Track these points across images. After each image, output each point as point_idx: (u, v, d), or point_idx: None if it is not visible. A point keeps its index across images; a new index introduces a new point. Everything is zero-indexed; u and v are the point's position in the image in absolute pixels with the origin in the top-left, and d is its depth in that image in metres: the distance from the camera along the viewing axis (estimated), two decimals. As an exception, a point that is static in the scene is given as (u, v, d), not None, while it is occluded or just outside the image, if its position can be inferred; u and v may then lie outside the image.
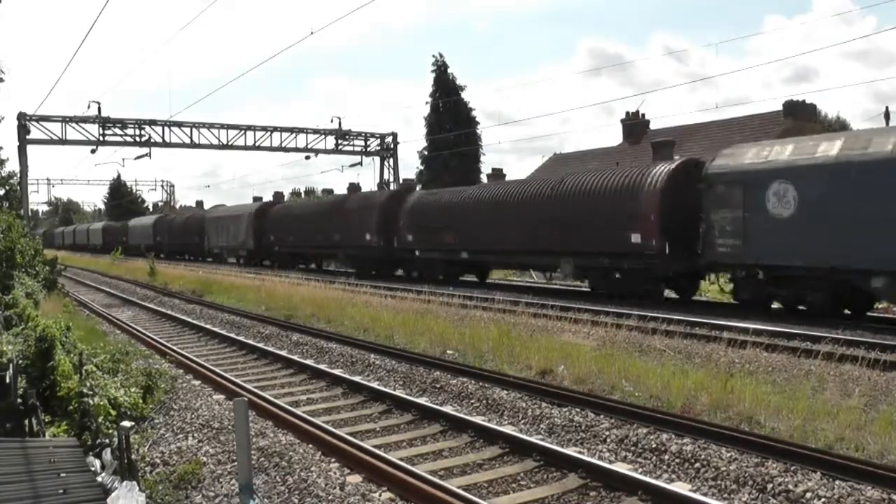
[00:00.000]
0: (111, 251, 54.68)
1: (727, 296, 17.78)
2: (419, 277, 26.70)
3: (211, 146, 43.02)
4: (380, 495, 5.71)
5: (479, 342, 11.58)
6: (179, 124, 41.81)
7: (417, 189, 34.48)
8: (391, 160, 47.74)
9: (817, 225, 13.96)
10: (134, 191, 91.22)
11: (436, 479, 5.84)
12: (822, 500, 5.36)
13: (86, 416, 6.74)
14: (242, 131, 43.44)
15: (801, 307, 15.00)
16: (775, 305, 15.77)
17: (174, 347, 12.86)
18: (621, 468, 6.22)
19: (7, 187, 23.71)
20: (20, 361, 8.10)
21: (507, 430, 7.46)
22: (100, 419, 6.62)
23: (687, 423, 7.10)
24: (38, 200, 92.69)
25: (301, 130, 44.86)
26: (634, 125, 37.85)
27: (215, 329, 15.59)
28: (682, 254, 17.03)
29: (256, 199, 48.70)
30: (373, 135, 47.32)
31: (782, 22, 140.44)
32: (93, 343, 11.12)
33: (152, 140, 41.34)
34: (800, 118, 31.10)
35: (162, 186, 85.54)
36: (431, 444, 7.32)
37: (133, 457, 5.36)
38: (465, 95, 50.06)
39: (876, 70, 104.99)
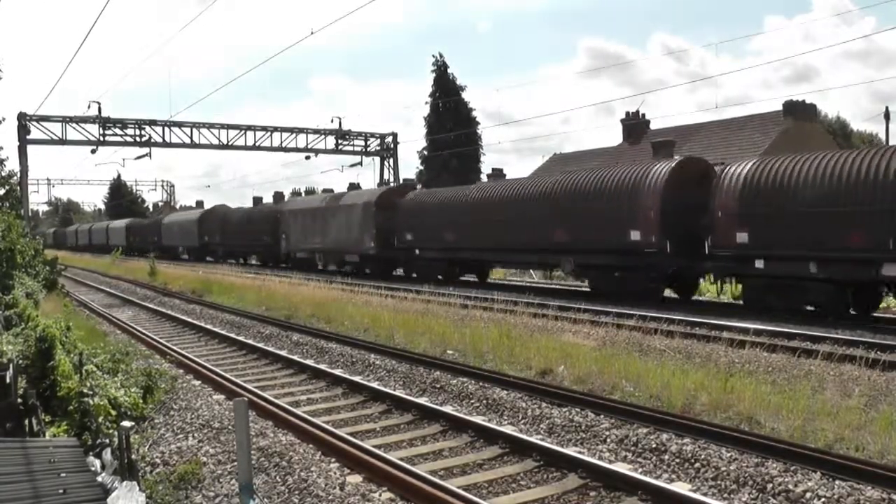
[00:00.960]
0: (140, 254, 49.25)
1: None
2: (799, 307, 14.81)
3: (211, 146, 43.10)
4: (380, 495, 5.72)
5: (480, 342, 11.58)
6: (179, 124, 41.90)
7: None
8: (391, 160, 47.79)
9: None
10: (134, 191, 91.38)
11: (436, 479, 5.84)
12: (822, 500, 5.36)
13: (86, 416, 6.74)
14: (242, 131, 43.50)
15: None
16: None
17: (174, 347, 12.86)
18: (621, 468, 6.22)
19: (7, 187, 23.72)
20: (20, 361, 8.11)
21: (507, 430, 7.47)
22: (100, 419, 6.62)
23: (687, 423, 7.10)
24: (38, 200, 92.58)
25: (301, 130, 44.94)
26: (634, 125, 37.90)
27: (215, 329, 15.59)
28: None
29: (256, 199, 48.07)
30: (373, 135, 47.40)
31: (782, 22, 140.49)
32: (93, 343, 11.12)
33: (152, 140, 41.43)
34: (799, 118, 31.18)
35: (162, 186, 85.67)
36: (431, 444, 7.33)
37: (133, 457, 5.36)
38: (465, 95, 50.23)
39: (876, 70, 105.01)
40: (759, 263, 15.06)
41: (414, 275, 27.24)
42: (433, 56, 51.80)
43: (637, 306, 15.76)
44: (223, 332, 15.18)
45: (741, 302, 16.32)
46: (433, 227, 25.34)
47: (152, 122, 41.27)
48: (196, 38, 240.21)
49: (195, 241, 47.11)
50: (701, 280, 18.82)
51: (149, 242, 55.14)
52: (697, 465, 6.24)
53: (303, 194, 77.40)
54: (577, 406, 8.02)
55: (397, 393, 9.19)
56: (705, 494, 5.66)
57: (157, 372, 9.67)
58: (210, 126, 42.88)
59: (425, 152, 50.48)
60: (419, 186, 35.67)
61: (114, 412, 7.04)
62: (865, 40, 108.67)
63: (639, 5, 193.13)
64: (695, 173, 17.55)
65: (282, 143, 44.46)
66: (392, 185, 33.29)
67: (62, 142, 39.85)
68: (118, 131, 40.75)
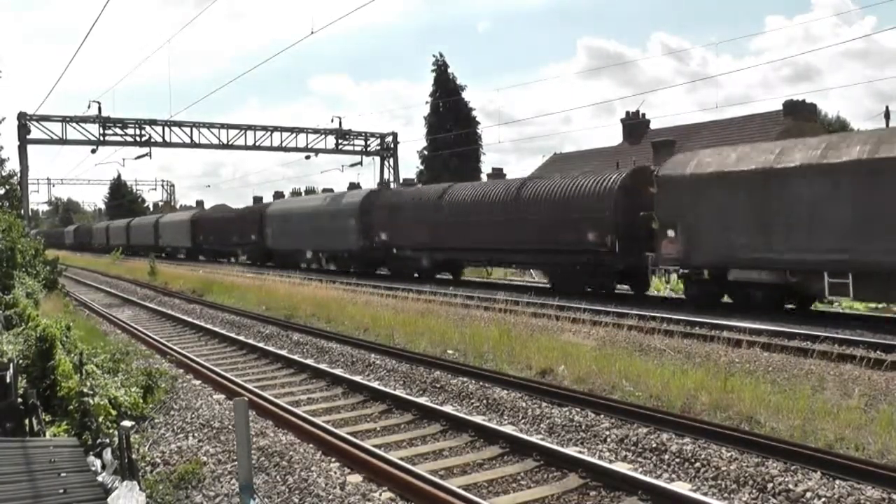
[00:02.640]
0: (214, 258, 40.14)
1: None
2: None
3: (211, 146, 43.01)
4: (380, 495, 5.72)
5: (480, 342, 11.58)
6: (179, 124, 41.80)
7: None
8: (391, 160, 47.76)
9: None
10: (134, 190, 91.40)
11: (436, 479, 5.84)
12: (822, 499, 5.36)
13: (86, 416, 6.74)
14: (242, 131, 43.44)
15: None
16: None
17: (174, 347, 12.86)
18: (621, 468, 6.22)
19: (7, 187, 23.75)
20: (21, 361, 8.10)
21: (508, 429, 7.47)
22: (100, 419, 6.63)
23: (687, 422, 7.10)
24: (38, 200, 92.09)
25: (301, 130, 44.88)
26: (635, 125, 37.89)
27: (216, 329, 15.59)
28: None
29: (257, 198, 47.48)
30: (373, 135, 47.36)
31: (783, 22, 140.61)
32: (93, 343, 11.13)
33: (152, 140, 41.34)
34: (800, 117, 31.16)
35: (162, 186, 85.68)
36: (432, 444, 7.33)
37: (133, 456, 5.36)
38: (465, 95, 50.22)
39: (877, 70, 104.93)
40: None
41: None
42: (433, 56, 51.87)
43: (637, 306, 15.81)
44: (223, 331, 15.18)
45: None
46: None
47: (152, 122, 41.21)
48: (196, 38, 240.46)
49: (350, 241, 29.17)
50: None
51: (234, 244, 40.32)
52: (697, 464, 6.24)
53: (303, 194, 75.65)
54: (577, 406, 8.01)
55: (397, 392, 9.19)
56: (705, 494, 5.66)
57: (158, 371, 9.67)
58: (210, 126, 42.80)
59: (425, 152, 50.49)
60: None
61: (114, 412, 7.05)
62: (866, 39, 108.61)
63: (639, 5, 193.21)
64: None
65: (282, 142, 44.41)
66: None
67: (62, 141, 39.81)
68: (118, 131, 40.68)
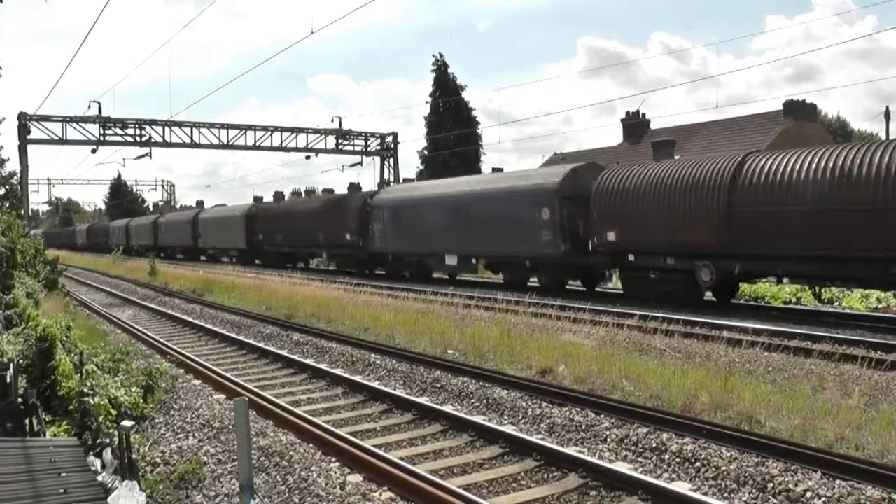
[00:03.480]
0: (279, 263, 32.30)
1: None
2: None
3: (211, 146, 42.99)
4: (380, 495, 5.72)
5: (480, 342, 11.58)
6: (179, 124, 41.79)
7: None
8: (391, 160, 47.77)
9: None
10: (134, 190, 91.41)
11: (436, 479, 5.84)
12: (823, 499, 5.36)
13: (86, 416, 6.75)
14: (242, 131, 43.43)
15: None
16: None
17: (175, 347, 12.86)
18: (621, 468, 6.22)
19: (7, 187, 23.76)
20: (21, 361, 8.10)
21: (508, 429, 7.47)
22: (100, 419, 6.63)
23: (687, 422, 7.10)
24: (38, 200, 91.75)
25: (301, 130, 44.87)
26: (635, 125, 37.90)
27: (216, 329, 15.59)
28: None
29: (257, 198, 47.51)
30: (373, 134, 47.37)
31: (783, 21, 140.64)
32: (93, 343, 11.13)
33: (152, 140, 41.32)
34: (799, 118, 31.16)
35: (162, 186, 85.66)
36: (432, 444, 7.33)
37: (133, 456, 5.36)
38: (465, 95, 50.21)
39: (878, 70, 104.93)
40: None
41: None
42: (433, 56, 51.82)
43: (637, 306, 15.79)
44: (223, 331, 15.18)
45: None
46: None
47: (152, 122, 41.20)
48: (196, 38, 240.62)
49: (540, 241, 19.80)
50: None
51: (315, 245, 30.55)
52: (698, 464, 6.24)
53: (303, 194, 74.94)
54: (577, 405, 8.02)
55: (397, 392, 9.19)
56: (705, 494, 5.66)
57: (158, 371, 9.67)
58: (210, 126, 42.80)
59: (426, 152, 50.48)
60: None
61: (114, 412, 7.06)
62: (867, 39, 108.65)
63: (639, 5, 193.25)
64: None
65: (282, 142, 44.39)
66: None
67: (62, 141, 39.80)
68: (118, 131, 40.66)
